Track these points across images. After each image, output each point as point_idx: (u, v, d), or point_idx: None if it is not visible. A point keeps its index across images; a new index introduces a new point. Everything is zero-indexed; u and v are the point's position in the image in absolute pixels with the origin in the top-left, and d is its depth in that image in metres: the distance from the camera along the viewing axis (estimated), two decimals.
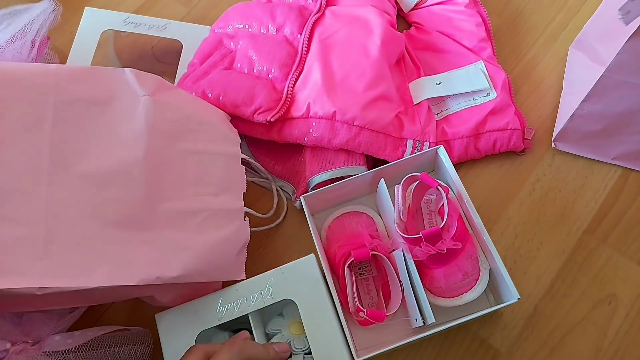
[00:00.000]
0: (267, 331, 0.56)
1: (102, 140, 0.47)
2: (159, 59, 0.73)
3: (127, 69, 0.50)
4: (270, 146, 0.65)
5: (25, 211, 0.39)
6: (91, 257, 0.43)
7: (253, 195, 0.64)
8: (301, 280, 0.52)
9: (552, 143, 0.65)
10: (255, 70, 0.63)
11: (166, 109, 0.51)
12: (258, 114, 0.60)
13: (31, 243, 0.39)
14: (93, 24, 0.71)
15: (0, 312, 0.47)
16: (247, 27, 0.66)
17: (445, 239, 0.50)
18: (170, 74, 0.69)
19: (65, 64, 0.69)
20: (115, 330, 0.54)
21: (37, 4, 0.67)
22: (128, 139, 0.48)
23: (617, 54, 0.48)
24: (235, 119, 0.62)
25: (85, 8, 0.72)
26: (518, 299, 0.50)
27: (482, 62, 0.66)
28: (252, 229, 0.56)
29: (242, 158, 0.59)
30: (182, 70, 0.68)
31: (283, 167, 0.65)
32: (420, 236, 0.50)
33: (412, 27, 0.72)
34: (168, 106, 0.52)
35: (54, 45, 0.74)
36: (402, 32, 0.71)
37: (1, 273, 0.37)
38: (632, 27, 0.43)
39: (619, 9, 0.39)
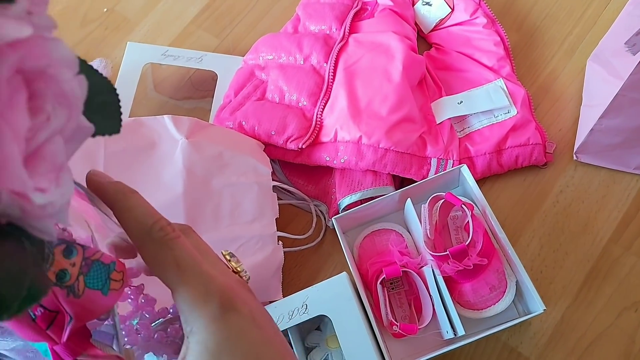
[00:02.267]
0: (305, 345, 0.60)
1: (147, 182, 0.52)
2: (197, 87, 0.78)
3: (165, 117, 0.56)
4: (303, 168, 0.69)
5: None
6: None
7: (288, 216, 0.68)
8: (334, 297, 0.56)
9: (574, 155, 0.67)
10: (286, 100, 0.67)
11: (201, 149, 0.56)
12: (290, 142, 0.64)
13: None
14: (135, 58, 0.76)
15: None
16: (276, 57, 0.70)
17: (471, 256, 0.53)
18: (208, 100, 0.74)
19: None
20: None
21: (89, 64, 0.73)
22: (168, 180, 0.53)
23: (630, 74, 0.50)
24: (268, 145, 0.66)
25: (128, 43, 0.77)
26: (544, 309, 0.53)
27: (502, 80, 0.69)
28: (292, 249, 0.60)
29: (279, 184, 0.63)
30: (217, 99, 0.73)
31: (315, 188, 0.69)
32: (448, 253, 0.53)
33: (433, 48, 0.76)
34: (203, 145, 0.57)
35: None
36: (422, 53, 0.74)
37: None
38: None
39: (625, 42, 0.42)
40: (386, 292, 0.58)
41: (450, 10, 0.74)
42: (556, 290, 0.62)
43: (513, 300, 0.56)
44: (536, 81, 0.73)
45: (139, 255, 0.28)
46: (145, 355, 0.30)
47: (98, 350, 0.26)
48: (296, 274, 0.66)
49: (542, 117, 0.70)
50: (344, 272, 0.57)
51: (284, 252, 0.62)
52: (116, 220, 0.28)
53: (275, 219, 0.61)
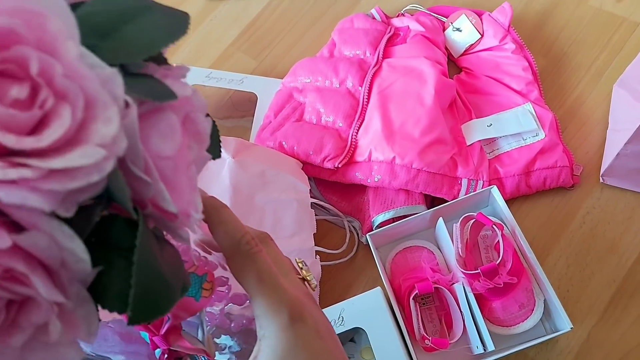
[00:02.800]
0: None
1: None
2: (237, 107, 0.82)
3: None
4: (337, 186, 0.72)
5: None
6: None
7: (322, 231, 0.72)
8: (369, 310, 0.59)
9: (600, 178, 0.69)
10: (322, 121, 0.71)
11: (246, 167, 0.60)
12: (327, 161, 0.67)
13: None
14: None
15: None
16: (313, 80, 0.74)
17: (501, 274, 0.56)
18: (248, 119, 0.78)
19: None
20: None
21: None
22: (216, 196, 0.57)
23: None
24: (306, 163, 0.70)
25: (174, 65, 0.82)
26: (571, 328, 0.55)
27: (530, 104, 0.71)
28: (326, 263, 0.63)
29: (314, 200, 0.66)
30: (257, 119, 0.77)
31: (348, 205, 0.72)
32: (479, 272, 0.56)
33: (463, 72, 0.79)
34: (247, 164, 0.61)
35: None
36: (452, 76, 0.77)
37: None
38: None
39: None
40: (418, 307, 0.61)
41: (480, 35, 0.78)
42: (582, 309, 0.64)
43: (541, 318, 0.59)
44: (563, 105, 0.75)
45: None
46: (222, 337, 0.34)
47: (187, 342, 0.30)
48: (330, 287, 0.69)
49: (569, 140, 0.73)
50: (379, 287, 0.60)
51: None
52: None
53: (313, 234, 0.64)
